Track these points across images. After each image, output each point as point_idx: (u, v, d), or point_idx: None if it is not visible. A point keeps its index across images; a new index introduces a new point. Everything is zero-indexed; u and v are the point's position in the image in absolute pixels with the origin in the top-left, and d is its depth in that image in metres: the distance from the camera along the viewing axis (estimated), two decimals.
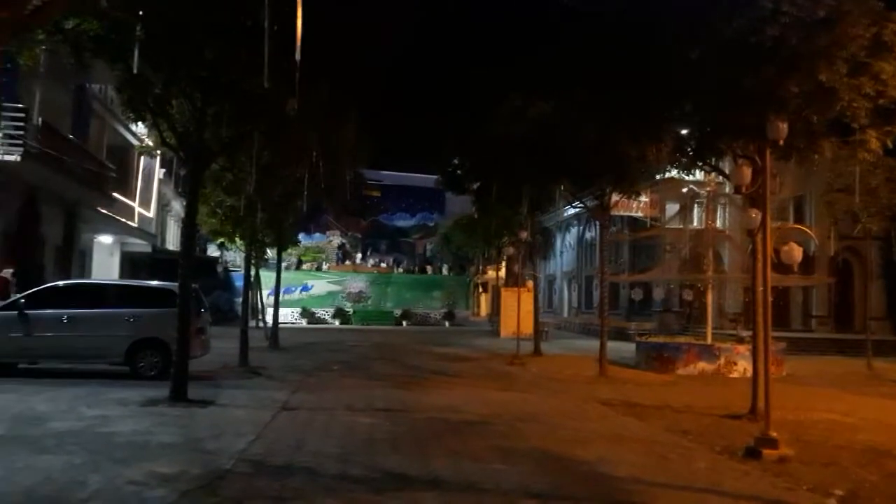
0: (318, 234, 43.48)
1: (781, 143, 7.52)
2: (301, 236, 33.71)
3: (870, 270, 21.83)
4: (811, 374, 16.11)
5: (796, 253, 8.68)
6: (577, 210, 30.57)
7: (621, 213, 25.71)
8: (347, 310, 36.11)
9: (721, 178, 14.07)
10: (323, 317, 35.67)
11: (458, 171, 22.69)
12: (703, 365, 16.10)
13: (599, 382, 14.09)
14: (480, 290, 51.86)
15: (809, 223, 22.45)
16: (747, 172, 8.41)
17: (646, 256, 26.83)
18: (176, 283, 10.48)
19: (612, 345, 17.18)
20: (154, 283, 12.96)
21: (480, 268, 43.37)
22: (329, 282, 36.78)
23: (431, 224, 50.71)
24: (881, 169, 15.64)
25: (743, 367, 15.30)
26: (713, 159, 11.15)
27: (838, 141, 9.84)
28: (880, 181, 16.09)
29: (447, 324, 36.66)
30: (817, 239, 15.26)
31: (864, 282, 22.27)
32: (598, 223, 19.03)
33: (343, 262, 42.19)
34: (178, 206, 33.41)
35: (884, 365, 18.12)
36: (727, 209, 24.24)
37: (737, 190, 9.03)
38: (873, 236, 19.03)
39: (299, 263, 38.71)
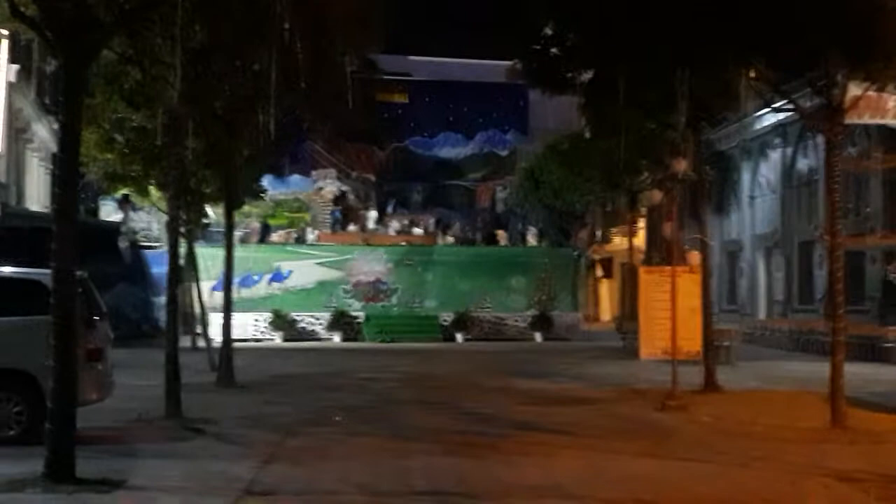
0: (297, 178, 43.90)
1: None
2: (268, 182, 34.12)
3: None
4: None
5: None
6: (781, 117, 29.86)
7: (866, 120, 25.05)
8: (355, 315, 36.57)
9: None
10: (311, 328, 36.26)
11: (553, 51, 22.44)
12: None
13: (832, 439, 13.81)
14: (599, 273, 51.84)
15: None
16: None
17: None
18: (46, 271, 10.67)
19: (853, 368, 16.82)
20: (5, 269, 13.21)
21: (598, 233, 43.16)
22: (320, 263, 37.25)
23: (504, 153, 50.49)
24: None
25: None
26: None
27: None
28: None
29: (539, 337, 36.79)
30: None
31: None
32: (821, 140, 18.52)
33: (345, 226, 42.53)
34: (44, 133, 34.15)
35: None
36: None
37: None
38: None
39: (266, 231, 39.22)
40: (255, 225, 39.26)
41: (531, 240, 41.58)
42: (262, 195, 30.30)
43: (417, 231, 42.64)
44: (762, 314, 36.53)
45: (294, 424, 14.96)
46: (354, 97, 20.02)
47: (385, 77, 41.00)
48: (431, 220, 44.82)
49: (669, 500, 9.97)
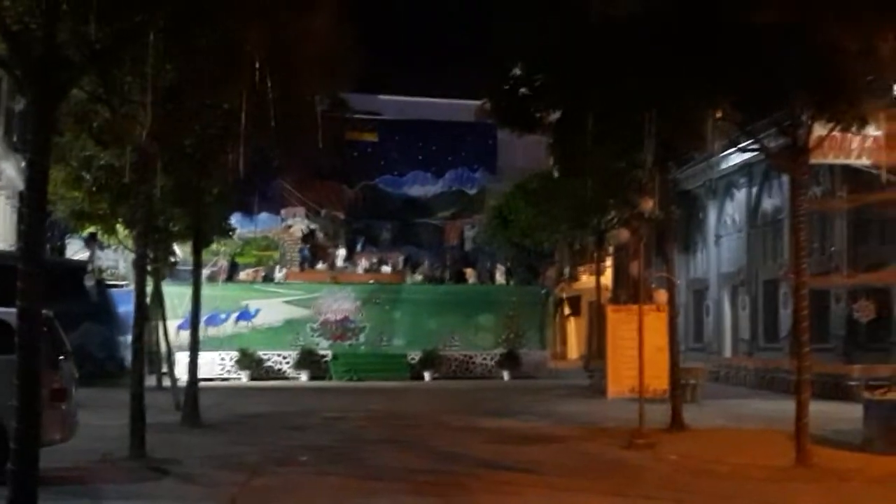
0: (266, 216, 43.83)
1: None
2: (237, 220, 34.06)
3: None
4: None
5: None
6: (747, 157, 30.15)
7: (831, 160, 25.35)
8: (322, 353, 36.48)
9: None
10: (278, 367, 36.15)
11: (522, 90, 22.55)
12: None
13: (798, 478, 13.92)
14: (567, 311, 51.98)
15: None
16: None
17: (879, 240, 26.45)
18: (12, 310, 10.59)
19: (818, 406, 16.90)
20: None
21: (566, 271, 43.29)
22: (288, 301, 37.19)
23: (473, 191, 50.62)
24: None
25: None
26: None
27: None
28: None
29: (506, 375, 36.78)
30: None
31: None
32: (787, 179, 18.72)
33: (313, 265, 42.47)
34: (11, 171, 33.92)
35: None
36: None
37: None
38: None
39: (234, 269, 39.12)
40: (223, 263, 39.11)
41: (499, 278, 41.66)
42: (230, 233, 30.25)
43: (386, 269, 42.57)
44: (728, 352, 36.68)
45: (260, 464, 14.89)
46: (324, 136, 20.05)
47: (355, 116, 41.07)
48: (400, 259, 44.76)
49: None
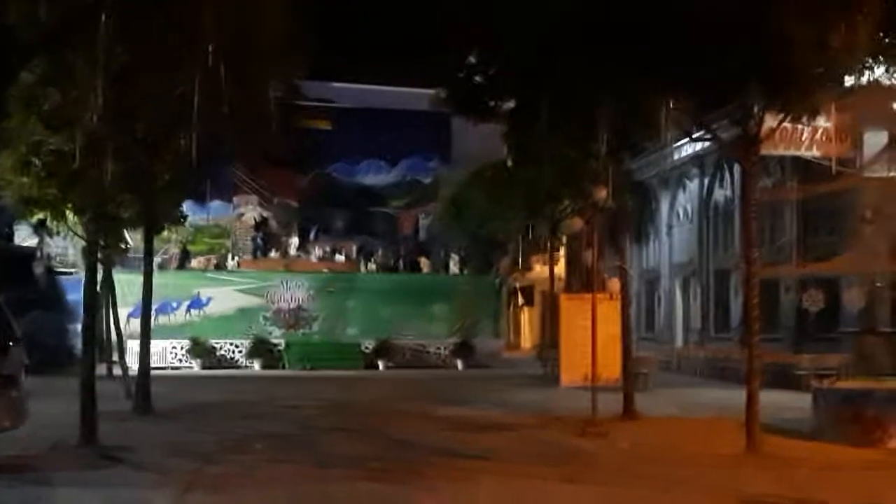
0: (218, 203, 43.56)
1: None
2: (189, 207, 33.76)
3: None
4: None
5: None
6: (700, 148, 30.34)
7: (781, 151, 25.59)
8: (276, 342, 36.33)
9: None
10: (231, 356, 35.97)
11: (476, 79, 22.53)
12: None
13: (747, 465, 14.08)
14: (521, 300, 52.00)
15: None
16: None
17: (828, 231, 26.77)
18: None
19: (768, 396, 17.06)
20: None
21: (520, 260, 43.35)
22: (241, 290, 37.00)
23: (428, 180, 50.55)
24: None
25: None
26: None
27: None
28: None
29: (460, 364, 36.86)
30: None
31: None
32: (738, 170, 18.88)
33: (266, 253, 42.25)
34: None
35: None
36: None
37: None
38: None
39: (186, 257, 38.83)
40: (175, 251, 38.83)
41: (453, 267, 41.70)
42: (182, 220, 30.00)
43: (340, 258, 42.48)
44: (680, 342, 36.90)
45: (213, 452, 14.80)
46: (277, 123, 19.95)
47: (308, 103, 40.84)
48: (354, 247, 44.68)
49: None
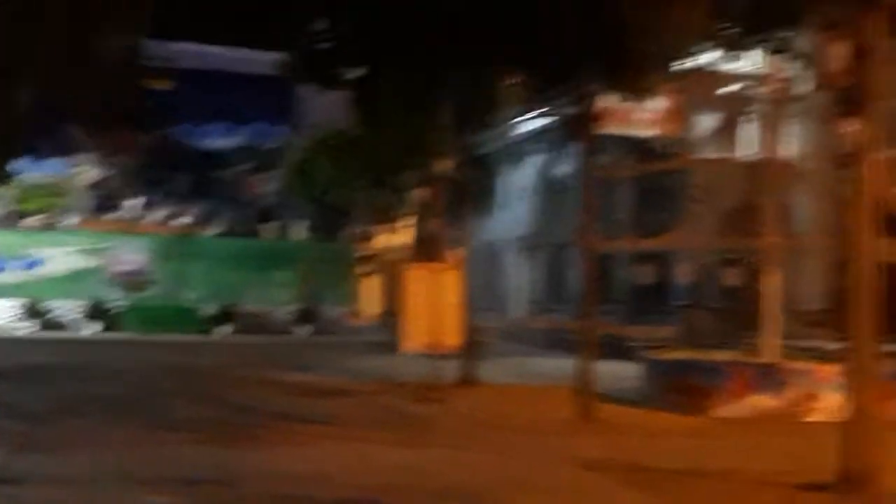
0: (53, 162, 42.22)
1: None
2: (23, 164, 32.67)
3: None
4: None
5: None
6: (542, 123, 30.86)
7: (616, 129, 26.25)
8: (114, 305, 35.66)
9: (791, 67, 14.62)
10: (67, 318, 35.17)
11: (323, 46, 22.35)
12: (760, 399, 16.85)
13: (581, 431, 14.58)
14: (366, 268, 52.01)
15: None
16: (840, 51, 8.96)
17: (662, 208, 27.68)
18: None
19: (603, 366, 17.46)
20: None
21: (366, 229, 43.45)
22: (77, 251, 36.15)
23: (273, 145, 50.00)
24: None
25: (829, 402, 16.09)
26: (780, 32, 11.67)
27: None
28: None
29: (304, 331, 36.89)
30: None
31: None
32: (577, 147, 19.34)
33: (103, 213, 41.24)
34: None
35: None
36: (803, 126, 25.14)
37: (822, 84, 9.55)
38: None
39: (18, 216, 37.61)
40: (7, 209, 37.58)
41: (298, 233, 41.52)
42: (8, 178, 28.98)
43: (182, 221, 41.79)
44: (519, 312, 37.65)
45: (46, 413, 14.63)
46: (117, 81, 19.50)
47: (148, 62, 39.85)
48: (197, 211, 44.01)
49: (427, 487, 10.29)
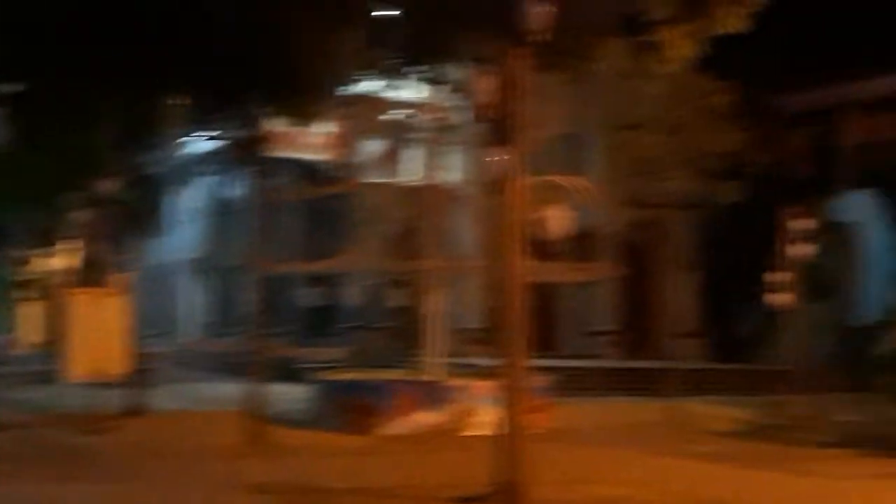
0: None
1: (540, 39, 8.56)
2: None
3: (675, 257, 25.42)
4: (593, 426, 18.37)
5: (556, 223, 9.93)
6: (213, 146, 30.51)
7: (283, 153, 26.34)
8: None
9: (450, 98, 15.27)
10: None
11: None
12: (423, 416, 17.51)
13: (252, 455, 14.51)
14: (28, 293, 49.38)
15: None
16: (490, 84, 9.47)
17: (330, 230, 28.02)
18: None
19: (275, 389, 17.52)
20: None
21: (27, 252, 41.46)
22: None
23: None
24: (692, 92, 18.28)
25: (487, 417, 16.78)
26: (436, 64, 12.19)
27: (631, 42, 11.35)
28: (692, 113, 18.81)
29: None
30: (596, 201, 17.27)
31: (667, 276, 25.82)
32: (247, 170, 19.30)
33: None
34: None
35: (701, 408, 20.81)
36: (462, 153, 26.15)
37: (478, 115, 10.03)
38: (680, 203, 22.12)
39: None
40: None
41: None
42: None
43: None
44: (191, 337, 36.98)
45: None
46: None
47: None
48: None
49: None
